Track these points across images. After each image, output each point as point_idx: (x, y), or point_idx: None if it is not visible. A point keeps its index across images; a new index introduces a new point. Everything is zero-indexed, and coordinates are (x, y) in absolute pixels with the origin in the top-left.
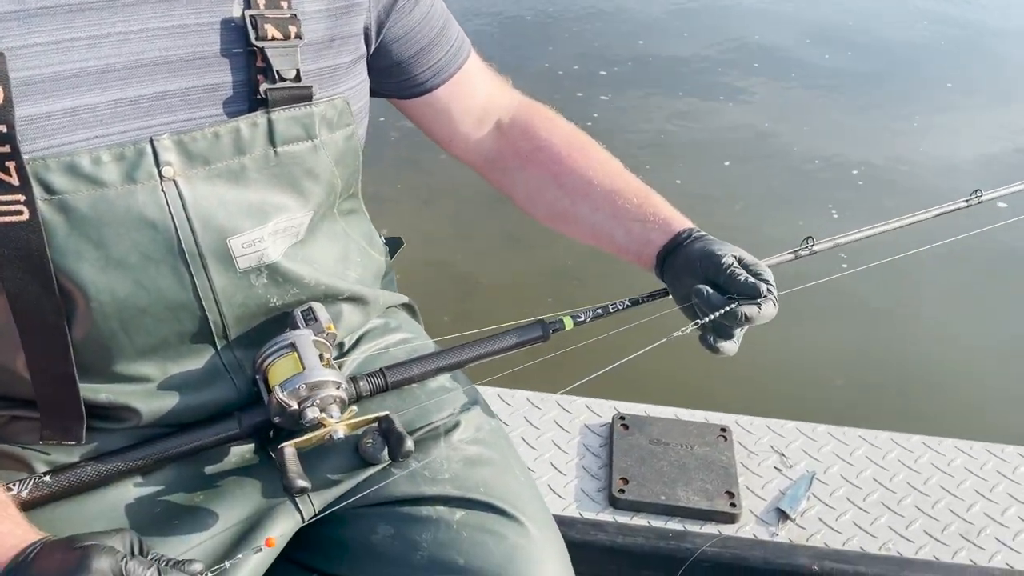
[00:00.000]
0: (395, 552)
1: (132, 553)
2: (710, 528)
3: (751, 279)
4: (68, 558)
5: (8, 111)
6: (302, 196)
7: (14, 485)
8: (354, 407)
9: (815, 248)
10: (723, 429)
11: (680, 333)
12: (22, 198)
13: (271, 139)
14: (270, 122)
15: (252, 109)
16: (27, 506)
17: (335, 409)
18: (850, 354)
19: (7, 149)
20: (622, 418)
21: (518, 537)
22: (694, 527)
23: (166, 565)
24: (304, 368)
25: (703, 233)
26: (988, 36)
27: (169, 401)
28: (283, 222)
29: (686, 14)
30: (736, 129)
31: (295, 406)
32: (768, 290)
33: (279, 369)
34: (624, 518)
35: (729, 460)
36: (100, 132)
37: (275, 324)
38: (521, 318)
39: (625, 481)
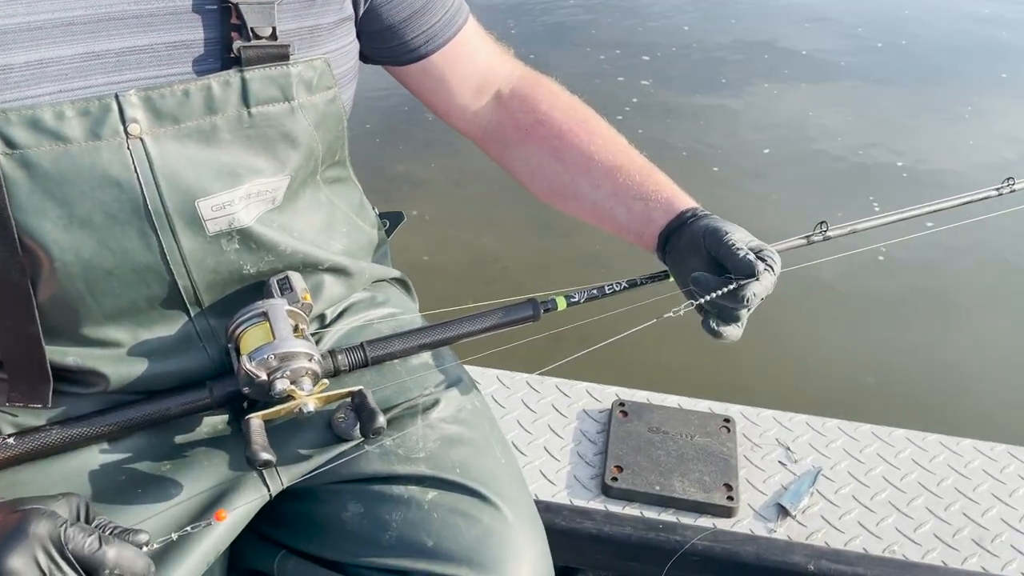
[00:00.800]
0: (364, 530)
1: (77, 519)
2: (705, 521)
3: (750, 256)
4: (7, 521)
5: None
6: (277, 160)
7: None
8: (326, 380)
9: (829, 234)
10: (726, 420)
11: (673, 313)
12: None
13: (245, 99)
14: (243, 81)
15: (225, 67)
16: None
17: (307, 382)
18: (872, 351)
19: None
20: (622, 404)
21: (492, 521)
22: (688, 519)
23: (109, 533)
24: (275, 338)
25: (707, 212)
26: None
27: (138, 367)
28: (257, 186)
29: (733, 1)
30: (778, 117)
31: (264, 377)
32: (767, 268)
33: (250, 338)
34: (615, 507)
35: (730, 452)
36: (65, 86)
37: (252, 292)
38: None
39: (619, 469)
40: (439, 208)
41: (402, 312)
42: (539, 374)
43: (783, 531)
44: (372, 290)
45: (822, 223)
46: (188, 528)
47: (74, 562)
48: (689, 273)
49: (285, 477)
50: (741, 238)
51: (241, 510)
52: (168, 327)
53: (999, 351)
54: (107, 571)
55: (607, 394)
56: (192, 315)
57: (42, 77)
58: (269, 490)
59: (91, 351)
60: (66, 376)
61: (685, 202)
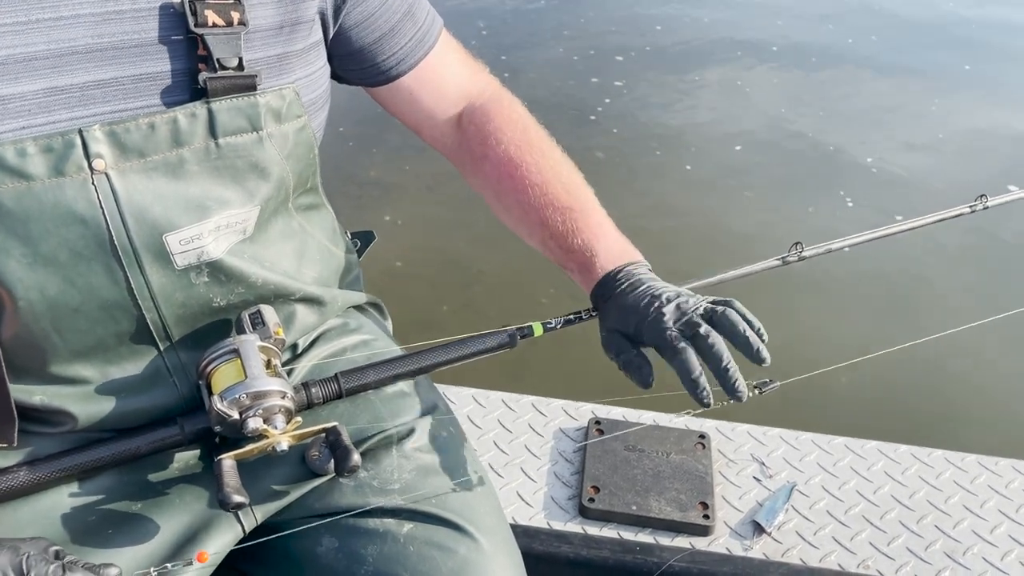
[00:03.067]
0: (339, 566)
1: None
2: (681, 541)
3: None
4: None
5: None
6: (247, 191)
7: None
8: (299, 418)
9: (804, 254)
10: (702, 436)
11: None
12: None
13: (212, 130)
14: (210, 112)
15: (192, 99)
16: None
17: (279, 419)
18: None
19: None
20: (598, 423)
21: (469, 552)
22: (665, 539)
23: (73, 564)
24: (247, 376)
25: (623, 278)
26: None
27: (107, 405)
28: (226, 218)
29: (704, 1)
30: (750, 114)
31: (236, 416)
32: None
33: (221, 376)
34: (593, 528)
35: (706, 469)
36: (28, 122)
37: (222, 325)
38: (522, 308)
39: (596, 490)
40: (412, 213)
41: (375, 339)
42: (515, 392)
43: (759, 549)
44: (344, 316)
45: (797, 244)
46: (168, 566)
47: None
48: (607, 338)
49: (259, 513)
50: (670, 313)
51: (220, 546)
52: (137, 363)
53: (975, 360)
54: None
55: (583, 412)
56: (162, 349)
57: (4, 114)
58: (243, 527)
59: (58, 389)
60: (32, 415)
61: (602, 266)
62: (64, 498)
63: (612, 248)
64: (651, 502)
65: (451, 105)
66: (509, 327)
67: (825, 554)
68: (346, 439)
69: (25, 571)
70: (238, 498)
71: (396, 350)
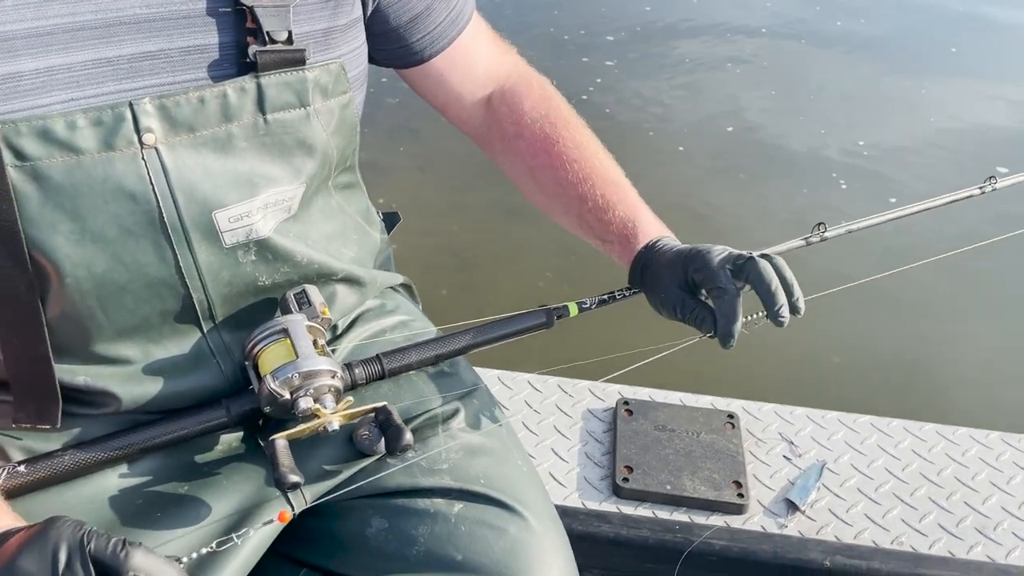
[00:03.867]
0: (390, 547)
1: None
2: (716, 519)
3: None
4: (31, 529)
5: None
6: (293, 167)
7: None
8: (350, 397)
9: (826, 235)
10: (730, 416)
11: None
12: None
13: (260, 106)
14: (259, 87)
15: (240, 73)
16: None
17: (329, 399)
18: (854, 340)
19: None
20: (626, 403)
21: (519, 531)
22: (700, 518)
23: (132, 543)
24: (297, 356)
25: (667, 240)
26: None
27: (151, 386)
28: (273, 195)
29: None
30: (742, 96)
31: (287, 396)
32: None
33: (270, 356)
34: (628, 508)
35: (737, 448)
36: (76, 94)
37: (265, 305)
38: (520, 292)
39: (629, 469)
40: (405, 195)
41: (412, 319)
42: (541, 373)
43: (794, 527)
44: (381, 297)
45: (820, 224)
46: (234, 536)
47: (89, 562)
48: (665, 296)
49: (308, 495)
50: (718, 251)
51: (265, 529)
52: (181, 343)
53: (991, 342)
54: (131, 574)
55: (610, 392)
56: (205, 330)
57: (52, 85)
58: (293, 508)
59: (101, 369)
60: (76, 396)
61: (644, 235)
62: (110, 482)
63: (651, 222)
64: (685, 481)
65: (480, 87)
66: (544, 307)
67: (859, 531)
68: (397, 418)
69: (85, 542)
70: (294, 477)
71: (433, 331)
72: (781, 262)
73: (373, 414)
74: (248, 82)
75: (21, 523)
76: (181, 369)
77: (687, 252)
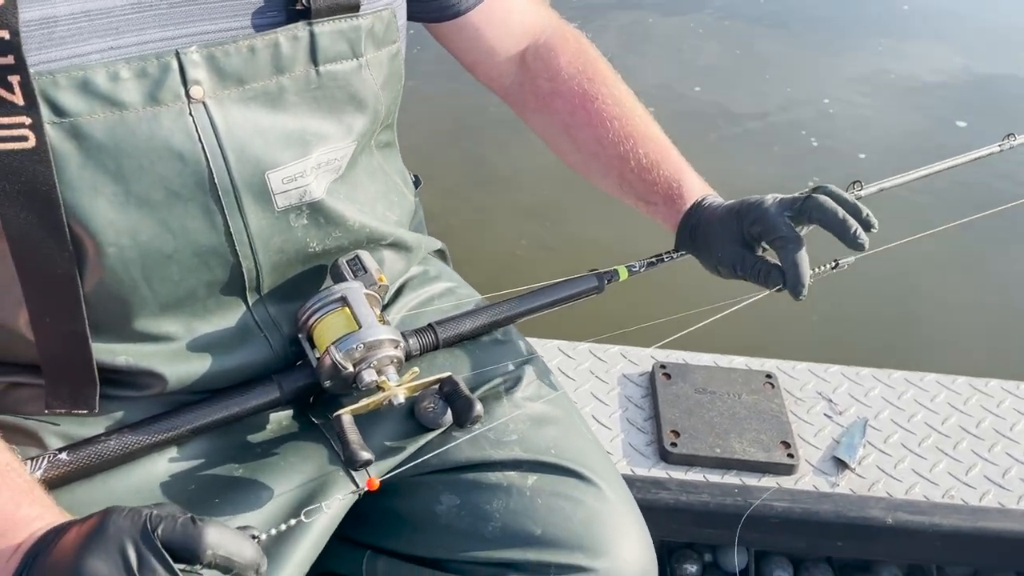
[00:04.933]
0: (462, 524)
1: None
2: (768, 481)
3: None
4: (83, 525)
5: (11, 13)
6: (344, 125)
7: (25, 465)
8: (416, 368)
9: (861, 193)
10: (768, 376)
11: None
12: (27, 120)
13: (313, 56)
14: (312, 36)
15: (289, 20)
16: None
17: (391, 371)
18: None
19: (10, 60)
20: (663, 367)
21: (595, 501)
22: (752, 480)
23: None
24: (360, 325)
25: (714, 197)
26: None
27: (197, 364)
28: (326, 154)
29: None
30: (707, 61)
31: (351, 368)
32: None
33: (328, 327)
34: (678, 473)
35: (779, 408)
36: (116, 42)
37: (313, 275)
38: (494, 261)
39: (676, 434)
40: None
41: (458, 286)
42: (598, 341)
43: (845, 484)
44: (424, 263)
45: (856, 182)
46: (303, 516)
47: (163, 553)
48: (722, 255)
49: (374, 472)
50: (771, 200)
51: (334, 509)
52: (227, 317)
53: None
54: (209, 553)
55: (643, 356)
56: (250, 303)
57: (91, 31)
58: (358, 487)
59: (143, 348)
60: (115, 378)
61: (690, 194)
62: (159, 467)
63: (695, 180)
64: (733, 444)
65: (515, 42)
66: (594, 271)
67: (909, 486)
68: (464, 389)
69: (152, 529)
70: (365, 454)
71: (477, 297)
72: (836, 189)
73: (437, 386)
74: (301, 30)
75: (67, 517)
76: (227, 345)
77: (739, 206)
